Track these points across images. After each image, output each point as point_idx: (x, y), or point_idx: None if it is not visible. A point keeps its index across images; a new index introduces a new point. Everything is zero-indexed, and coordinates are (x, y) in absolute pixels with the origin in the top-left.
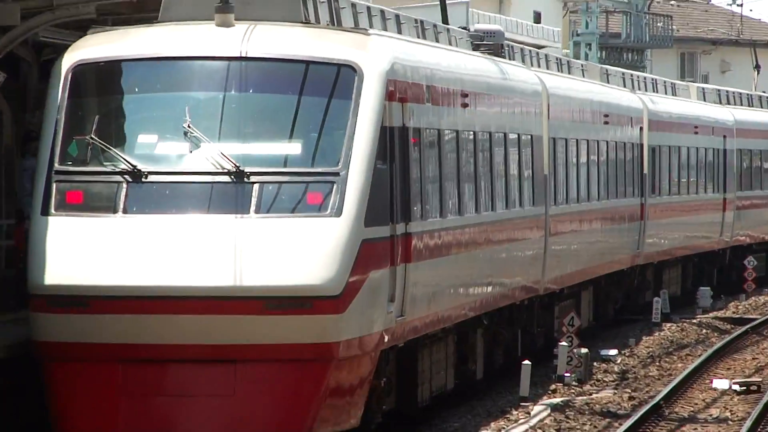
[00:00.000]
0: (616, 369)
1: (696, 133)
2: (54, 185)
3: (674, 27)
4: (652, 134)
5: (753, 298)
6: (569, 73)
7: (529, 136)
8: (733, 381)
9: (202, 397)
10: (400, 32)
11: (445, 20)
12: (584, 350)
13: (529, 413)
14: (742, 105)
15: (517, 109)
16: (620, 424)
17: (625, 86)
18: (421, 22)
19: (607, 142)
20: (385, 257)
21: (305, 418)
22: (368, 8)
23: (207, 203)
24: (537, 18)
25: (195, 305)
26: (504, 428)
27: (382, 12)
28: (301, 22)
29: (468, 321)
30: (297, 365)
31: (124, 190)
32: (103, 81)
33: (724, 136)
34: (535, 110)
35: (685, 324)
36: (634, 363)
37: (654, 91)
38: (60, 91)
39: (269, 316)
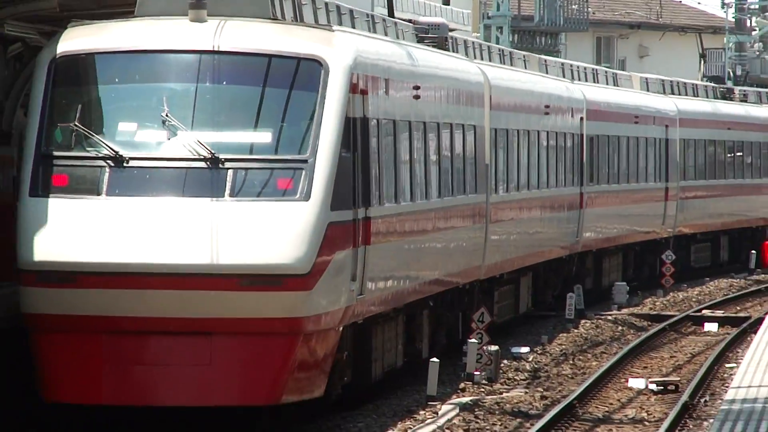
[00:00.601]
0: (527, 367)
1: (636, 122)
2: (41, 168)
3: (590, 10)
4: (590, 124)
5: (671, 294)
6: (511, 64)
7: (473, 126)
8: (650, 380)
9: (180, 366)
10: (353, 26)
11: (391, 14)
12: (494, 347)
13: (436, 413)
14: (686, 95)
15: (461, 100)
16: (532, 425)
17: (565, 77)
18: (372, 16)
19: (547, 132)
20: (348, 239)
21: (275, 387)
22: (326, 4)
23: (184, 187)
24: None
25: (174, 281)
26: (411, 428)
27: (338, 8)
28: (270, 18)
29: (416, 302)
30: (268, 338)
31: (107, 174)
32: (85, 72)
33: (666, 126)
34: (477, 101)
35: (600, 321)
36: (546, 361)
37: (595, 82)
38: (44, 81)
39: (244, 292)
